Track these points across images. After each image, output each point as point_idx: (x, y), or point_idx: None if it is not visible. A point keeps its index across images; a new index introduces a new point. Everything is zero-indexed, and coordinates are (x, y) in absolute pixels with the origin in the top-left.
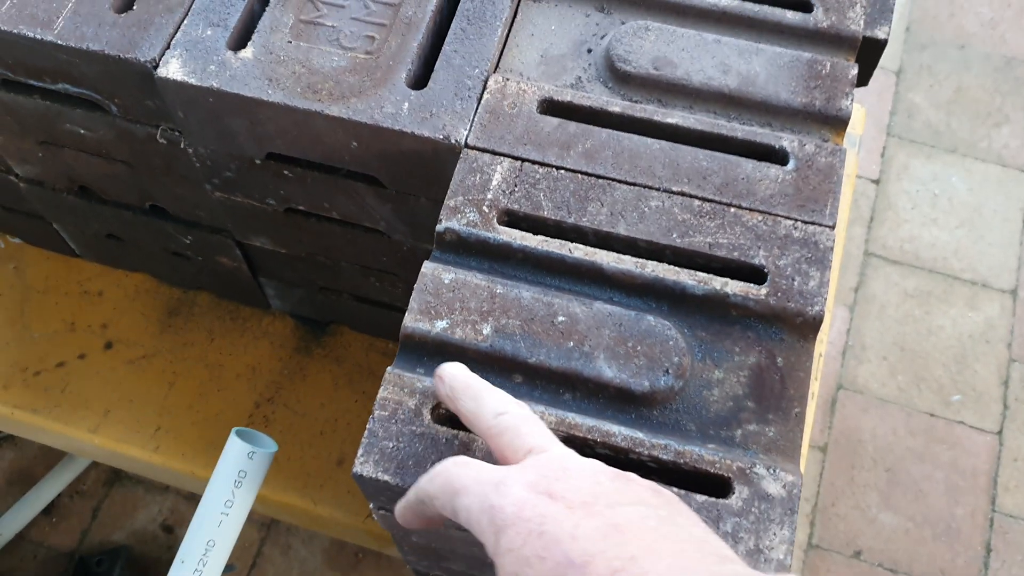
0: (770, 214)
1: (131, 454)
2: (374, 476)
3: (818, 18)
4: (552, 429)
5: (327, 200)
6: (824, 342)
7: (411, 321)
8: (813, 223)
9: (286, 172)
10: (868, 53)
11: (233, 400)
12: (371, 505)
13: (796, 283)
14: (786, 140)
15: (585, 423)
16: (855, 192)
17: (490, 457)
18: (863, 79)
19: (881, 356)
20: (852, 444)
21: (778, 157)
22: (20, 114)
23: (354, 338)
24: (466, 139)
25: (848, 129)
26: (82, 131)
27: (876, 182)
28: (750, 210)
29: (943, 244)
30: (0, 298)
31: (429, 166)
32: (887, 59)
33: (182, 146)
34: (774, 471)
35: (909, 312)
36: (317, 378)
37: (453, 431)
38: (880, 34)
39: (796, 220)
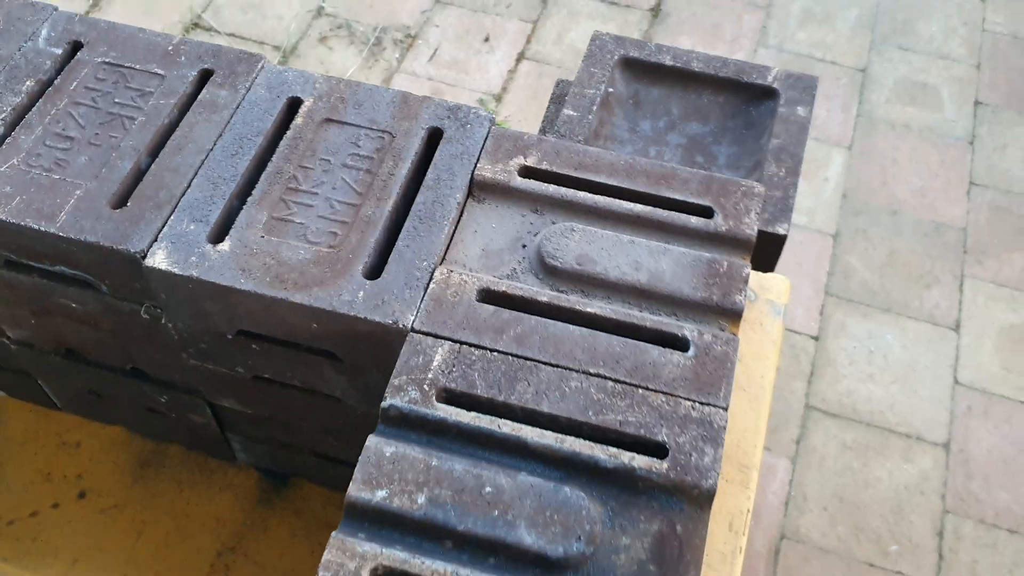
0: (673, 395)
1: None
2: None
3: (718, 223)
4: None
5: (290, 370)
6: (755, 489)
7: (355, 491)
8: (709, 404)
9: (254, 346)
10: (771, 245)
11: (197, 549)
12: None
13: (693, 459)
14: (688, 329)
15: None
16: (796, 348)
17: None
18: (768, 266)
19: (822, 507)
20: None
21: (681, 345)
22: (18, 289)
23: (313, 491)
24: (412, 324)
25: (774, 298)
26: (73, 304)
27: (816, 339)
28: (656, 391)
29: (879, 399)
30: None
31: (380, 345)
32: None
33: (163, 321)
34: None
35: (848, 464)
36: (277, 530)
37: None
38: (780, 230)
39: (695, 401)
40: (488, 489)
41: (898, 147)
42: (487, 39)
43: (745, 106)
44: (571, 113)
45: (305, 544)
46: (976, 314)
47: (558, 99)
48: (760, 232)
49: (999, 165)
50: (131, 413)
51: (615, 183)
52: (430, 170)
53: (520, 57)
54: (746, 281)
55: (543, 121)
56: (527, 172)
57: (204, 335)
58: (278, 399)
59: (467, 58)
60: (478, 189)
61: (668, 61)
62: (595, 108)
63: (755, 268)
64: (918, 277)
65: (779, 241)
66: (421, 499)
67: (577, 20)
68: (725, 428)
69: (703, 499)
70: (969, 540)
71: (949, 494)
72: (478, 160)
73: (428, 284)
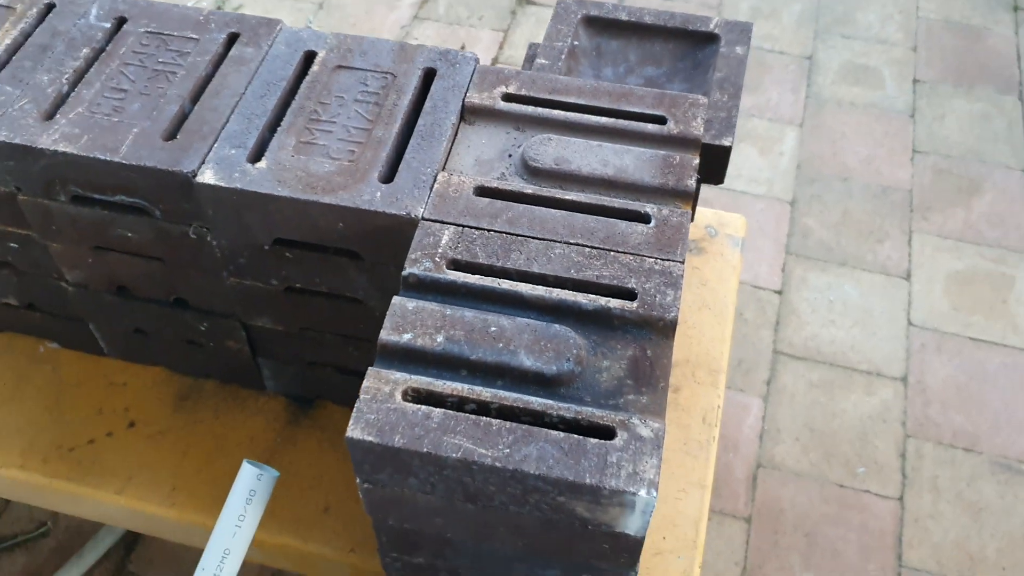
0: (638, 255)
1: (151, 511)
2: (362, 438)
3: (670, 128)
4: (487, 402)
5: (318, 276)
6: (723, 389)
7: (385, 335)
8: (668, 259)
9: (288, 254)
10: (719, 157)
11: (236, 463)
12: (358, 480)
13: (658, 299)
14: (649, 208)
15: (512, 396)
16: (762, 301)
17: (446, 419)
18: (718, 178)
19: (794, 437)
20: (774, 514)
21: (643, 219)
22: (81, 223)
23: (335, 410)
24: (422, 214)
25: (732, 232)
26: (129, 234)
27: (779, 292)
28: (624, 253)
29: (840, 341)
30: (39, 392)
31: (396, 237)
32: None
33: (208, 239)
34: (645, 422)
35: (815, 399)
36: (305, 443)
37: (417, 406)
38: (726, 142)
39: (656, 258)
40: (493, 328)
41: (845, 122)
42: (463, 47)
43: (692, 50)
44: (543, 62)
45: (331, 454)
46: (925, 263)
47: (530, 59)
48: (709, 145)
49: (939, 133)
50: (172, 350)
51: (583, 102)
52: (427, 100)
53: (494, 61)
54: (695, 169)
55: None
56: (509, 98)
57: (244, 249)
58: (307, 309)
59: None
60: (468, 114)
61: (624, 17)
62: (563, 57)
63: (707, 180)
64: (870, 233)
65: (725, 152)
66: (439, 338)
67: (544, 27)
68: (682, 276)
69: (667, 329)
70: (929, 459)
71: (909, 421)
72: (467, 90)
73: (432, 185)
